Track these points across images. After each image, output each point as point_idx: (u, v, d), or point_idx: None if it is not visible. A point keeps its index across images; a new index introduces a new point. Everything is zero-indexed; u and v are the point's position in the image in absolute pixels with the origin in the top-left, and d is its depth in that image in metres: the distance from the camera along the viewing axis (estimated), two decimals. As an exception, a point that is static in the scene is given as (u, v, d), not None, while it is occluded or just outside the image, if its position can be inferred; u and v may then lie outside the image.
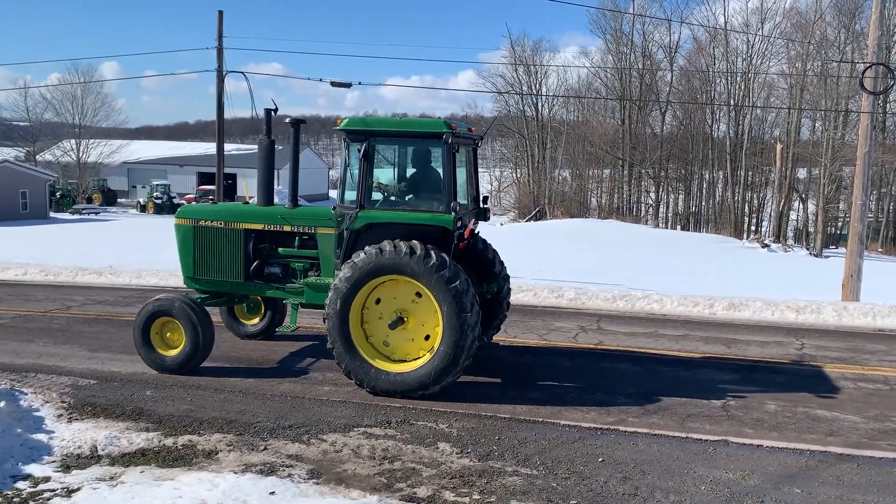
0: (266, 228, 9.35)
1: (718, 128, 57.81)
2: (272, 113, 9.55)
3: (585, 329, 11.97)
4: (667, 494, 5.84)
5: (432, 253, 7.90)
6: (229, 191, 57.21)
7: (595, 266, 21.14)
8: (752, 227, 57.21)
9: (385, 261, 7.99)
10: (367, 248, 8.10)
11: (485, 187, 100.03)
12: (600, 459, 6.51)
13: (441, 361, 7.97)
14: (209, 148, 58.54)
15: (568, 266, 18.67)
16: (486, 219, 9.73)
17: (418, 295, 8.13)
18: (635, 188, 60.38)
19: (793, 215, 57.75)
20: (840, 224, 52.32)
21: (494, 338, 10.29)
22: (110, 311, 13.36)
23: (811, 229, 52.37)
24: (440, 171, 8.59)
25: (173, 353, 8.99)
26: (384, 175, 9.10)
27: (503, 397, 8.27)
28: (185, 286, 10.02)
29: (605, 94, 61.82)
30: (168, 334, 9.05)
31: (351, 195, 8.71)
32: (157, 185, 59.54)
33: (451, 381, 8.07)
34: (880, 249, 50.59)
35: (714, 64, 55.78)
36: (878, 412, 8.05)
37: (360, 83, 26.07)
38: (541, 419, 7.53)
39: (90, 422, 7.34)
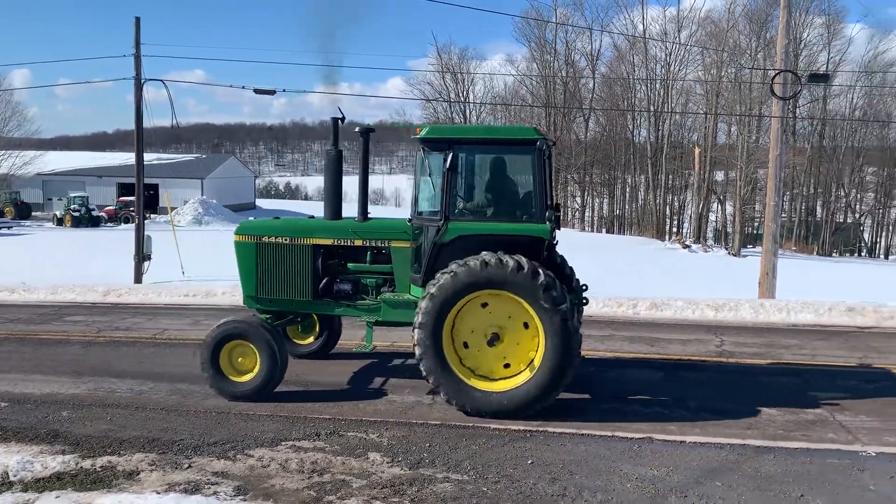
0: (336, 243, 8.82)
1: (640, 133, 59.60)
2: (339, 122, 9.12)
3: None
4: (594, 493, 5.94)
5: (539, 270, 7.53)
6: (151, 202, 55.56)
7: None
8: (674, 229, 59.10)
9: (487, 275, 7.55)
10: (465, 260, 7.64)
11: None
12: (529, 461, 6.58)
13: (544, 380, 7.58)
14: (129, 158, 56.74)
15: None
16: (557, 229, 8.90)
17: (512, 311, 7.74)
18: (562, 193, 61.49)
19: (712, 216, 59.96)
20: (756, 224, 54.52)
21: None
22: (23, 329, 12.76)
23: (729, 230, 54.44)
24: (530, 179, 8.21)
25: (246, 378, 8.32)
26: (468, 185, 8.68)
27: (434, 404, 8.26)
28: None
29: (531, 102, 62.82)
30: (239, 359, 8.37)
31: (428, 206, 8.42)
32: (75, 197, 57.14)
33: (552, 401, 7.75)
34: (794, 248, 53.03)
35: (634, 71, 57.39)
36: (793, 403, 8.39)
37: (284, 90, 25.75)
38: (471, 424, 7.55)
39: (0, 447, 6.97)
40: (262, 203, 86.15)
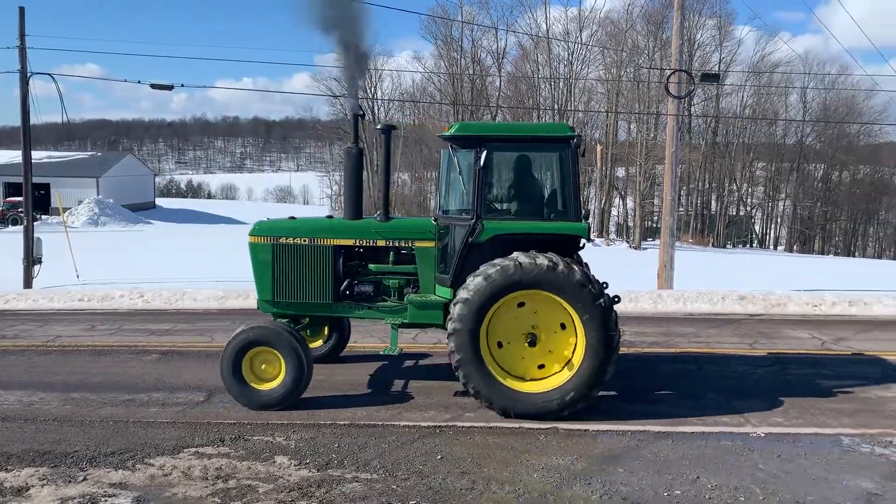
0: (357, 244, 8.55)
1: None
2: (360, 119, 8.82)
3: (425, 329, 12.09)
4: (502, 485, 6.04)
5: (574, 266, 7.44)
6: (42, 202, 52.62)
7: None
8: (580, 224, 60.65)
9: (521, 275, 7.40)
10: (498, 261, 7.50)
11: (325, 192, 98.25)
12: (439, 457, 6.62)
13: (584, 380, 7.51)
14: (16, 156, 53.61)
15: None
16: None
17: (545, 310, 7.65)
18: (471, 189, 62.12)
19: (614, 211, 61.97)
20: (655, 218, 56.73)
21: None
22: None
23: (630, 224, 56.37)
24: (563, 177, 8.07)
25: (270, 386, 7.97)
26: (500, 183, 8.52)
27: (343, 404, 8.19)
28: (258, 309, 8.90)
29: (440, 99, 63.11)
30: (263, 366, 8.02)
31: (456, 205, 8.33)
32: (-44, 197, 53.56)
33: (592, 399, 7.67)
34: (690, 240, 55.46)
35: (539, 70, 58.55)
36: (690, 390, 8.79)
37: (182, 85, 24.91)
38: (380, 423, 7.53)
39: None
40: (163, 202, 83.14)
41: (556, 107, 56.84)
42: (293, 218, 9.13)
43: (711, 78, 17.82)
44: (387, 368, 9.81)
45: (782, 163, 66.32)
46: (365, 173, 65.97)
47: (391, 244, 8.51)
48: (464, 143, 8.07)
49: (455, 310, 7.57)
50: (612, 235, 55.27)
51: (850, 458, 6.78)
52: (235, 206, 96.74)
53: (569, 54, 57.42)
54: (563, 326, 7.68)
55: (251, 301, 14.34)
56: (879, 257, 63.21)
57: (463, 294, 7.55)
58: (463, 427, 7.42)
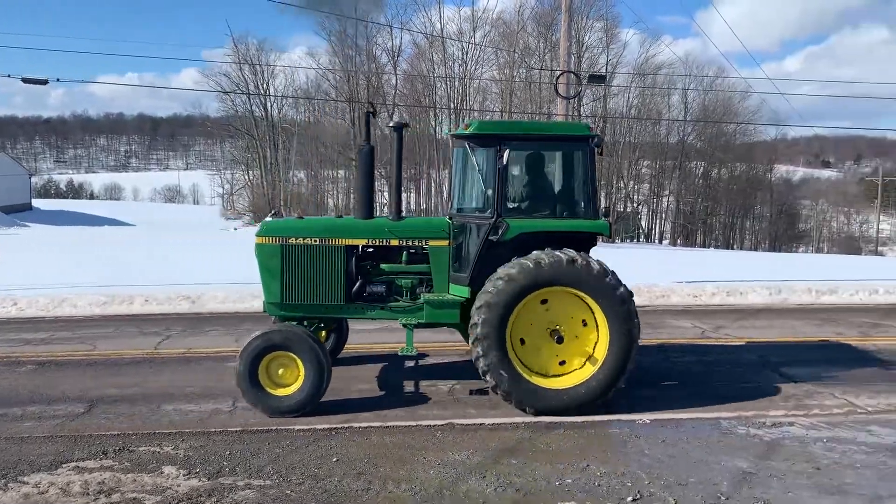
0: (370, 243, 8.37)
1: (442, 129, 61.21)
2: (371, 116, 8.56)
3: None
4: (398, 484, 6.03)
5: (591, 260, 7.59)
6: None
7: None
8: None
9: (543, 274, 7.48)
10: (518, 262, 7.53)
11: (216, 191, 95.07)
12: (335, 459, 6.54)
13: (607, 375, 7.68)
14: None
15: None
16: None
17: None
18: (368, 188, 61.81)
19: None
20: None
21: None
22: None
23: (526, 221, 57.56)
24: (582, 175, 8.14)
25: (289, 391, 7.69)
26: (520, 181, 8.43)
27: (235, 410, 7.97)
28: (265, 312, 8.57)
29: (335, 96, 62.41)
30: (280, 371, 7.73)
31: (473, 203, 8.36)
32: None
33: (615, 391, 7.79)
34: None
35: (434, 69, 58.89)
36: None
37: (58, 80, 23.46)
38: (274, 427, 7.36)
39: None
40: (41, 204, 78.37)
41: (451, 106, 57.35)
42: (301, 217, 8.92)
43: (598, 79, 18.48)
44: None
45: (666, 161, 69.50)
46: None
47: (404, 244, 8.38)
48: (483, 142, 8.04)
49: (479, 314, 7.58)
50: (509, 232, 56.34)
51: (728, 440, 7.19)
52: (120, 207, 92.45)
53: (463, 54, 58.08)
54: (584, 323, 7.84)
55: (136, 306, 13.76)
56: (755, 249, 67.39)
57: (485, 298, 7.57)
58: (359, 428, 7.37)
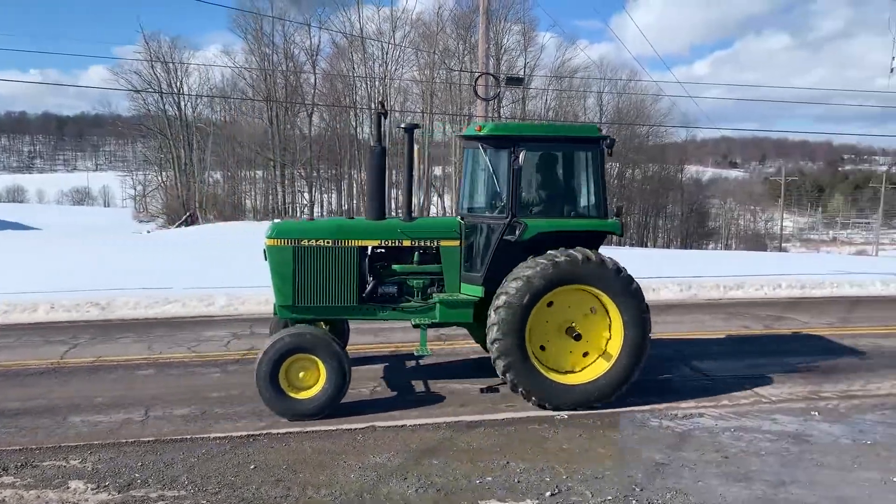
0: (382, 244, 8.37)
1: (363, 129, 60.86)
2: (383, 117, 8.51)
3: (238, 335, 11.69)
4: (318, 489, 5.95)
5: (604, 257, 7.85)
6: None
7: (251, 270, 20.79)
8: (399, 222, 61.40)
9: (560, 273, 7.68)
10: (534, 262, 7.74)
11: (127, 192, 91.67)
12: (252, 467, 6.39)
13: (622, 370, 7.94)
14: None
15: (222, 271, 18.08)
16: None
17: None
18: (289, 189, 60.85)
19: (433, 209, 63.31)
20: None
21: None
22: None
23: (448, 221, 57.89)
24: (594, 176, 8.35)
25: (310, 394, 7.64)
26: (533, 182, 8.54)
27: (147, 420, 7.68)
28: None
29: (252, 95, 61.15)
30: (301, 374, 7.66)
31: (484, 203, 8.53)
32: None
33: (626, 388, 8.05)
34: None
35: (354, 68, 58.48)
36: (486, 377, 9.16)
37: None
38: (189, 436, 7.14)
39: None
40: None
41: (372, 106, 57.04)
42: (312, 219, 8.75)
43: (516, 81, 18.74)
44: (193, 379, 9.32)
45: (583, 161, 71.11)
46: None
47: (416, 244, 8.39)
48: (498, 144, 8.16)
49: (498, 315, 7.69)
50: (431, 233, 56.52)
51: (642, 432, 7.41)
52: (24, 210, 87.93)
53: (383, 54, 57.88)
54: (592, 310, 8.08)
55: (41, 314, 13.10)
56: (667, 247, 69.73)
57: (504, 298, 7.68)
58: (278, 434, 7.23)
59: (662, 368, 9.87)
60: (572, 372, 8.11)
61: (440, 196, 62.21)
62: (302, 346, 7.62)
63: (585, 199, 8.53)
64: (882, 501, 5.86)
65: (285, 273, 8.10)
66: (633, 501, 5.79)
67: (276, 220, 8.55)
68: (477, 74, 18.43)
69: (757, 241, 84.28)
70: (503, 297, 7.71)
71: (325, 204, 64.37)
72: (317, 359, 7.64)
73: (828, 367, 10.06)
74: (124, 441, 7.03)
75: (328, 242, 8.15)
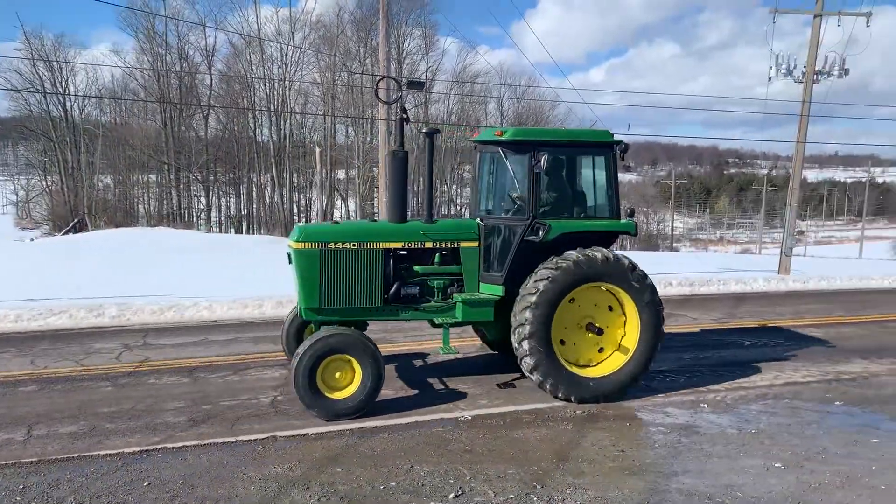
0: (406, 246, 8.57)
1: (262, 132, 59.54)
2: (405, 122, 8.77)
3: (130, 347, 11.17)
4: (216, 503, 5.76)
5: (619, 255, 8.35)
6: None
7: (143, 277, 19.95)
8: (302, 226, 60.34)
9: (582, 271, 8.12)
10: (555, 263, 8.15)
11: (8, 198, 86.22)
12: (146, 483, 6.12)
13: (638, 364, 8.45)
14: None
15: (113, 280, 17.24)
16: None
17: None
18: (185, 193, 58.75)
19: (336, 213, 62.66)
20: (377, 219, 58.33)
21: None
22: None
23: (352, 225, 57.40)
24: (608, 179, 8.76)
25: (347, 394, 7.82)
26: (552, 185, 8.79)
27: (29, 439, 7.22)
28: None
29: (144, 96, 58.69)
30: (338, 374, 7.85)
31: (503, 205, 8.92)
32: None
33: (642, 379, 8.65)
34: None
35: (252, 70, 57.13)
36: (403, 382, 9.16)
37: None
38: (76, 455, 6.76)
39: None
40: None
41: (271, 108, 55.98)
42: (336, 222, 8.98)
43: (417, 85, 18.73)
44: (82, 394, 8.83)
45: (485, 165, 72.13)
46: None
47: (437, 245, 8.65)
48: (518, 148, 8.46)
49: (525, 315, 8.06)
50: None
51: (544, 430, 7.57)
52: None
53: (283, 55, 56.82)
54: (611, 309, 8.59)
55: None
56: (568, 248, 71.55)
57: (531, 298, 8.07)
58: (173, 448, 6.95)
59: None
60: (589, 366, 8.59)
61: (344, 199, 61.64)
62: (339, 347, 7.80)
63: (600, 200, 8.95)
64: (764, 486, 6.21)
65: (312, 276, 8.26)
66: (535, 498, 5.90)
67: (300, 224, 8.75)
68: (378, 78, 18.38)
69: (650, 242, 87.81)
70: (532, 296, 8.08)
71: (223, 208, 62.55)
72: (352, 359, 7.83)
73: (716, 361, 10.61)
74: (4, 463, 6.58)
75: (354, 245, 8.36)
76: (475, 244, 8.71)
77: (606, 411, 8.17)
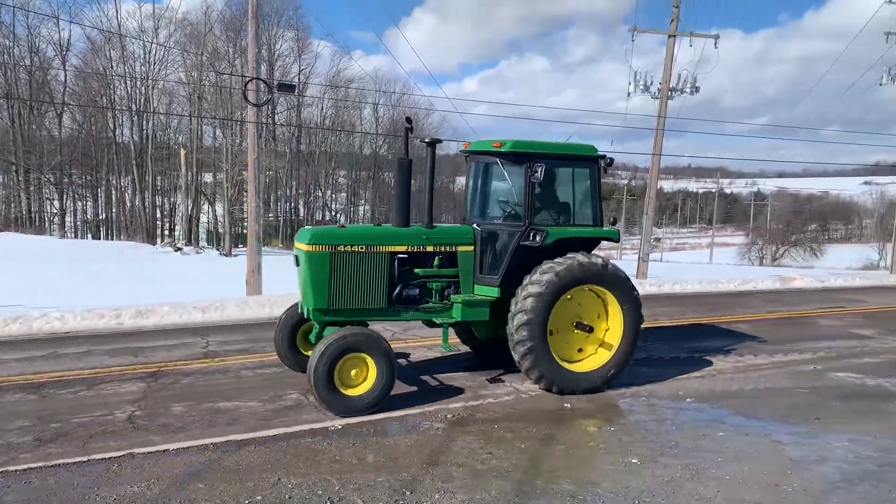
0: (409, 250, 9.01)
1: (123, 132, 56.42)
2: (409, 131, 9.12)
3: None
4: (64, 529, 5.38)
5: (614, 264, 9.14)
6: None
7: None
8: (166, 232, 57.80)
9: (582, 272, 8.85)
10: (560, 261, 8.86)
11: None
12: (-18, 512, 5.63)
13: (620, 359, 9.28)
14: None
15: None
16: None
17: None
18: (35, 196, 54.62)
19: (203, 218, 60.33)
20: (246, 224, 56.61)
21: None
22: None
23: (221, 230, 55.47)
24: (593, 190, 9.56)
25: (362, 391, 8.13)
26: (544, 194, 9.42)
27: None
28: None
29: (-11, 91, 54.11)
30: (353, 372, 8.14)
31: (499, 212, 9.57)
32: None
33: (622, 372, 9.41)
34: (280, 245, 56.79)
35: (112, 67, 54.08)
36: (273, 394, 8.94)
37: None
38: None
39: None
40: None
41: (133, 107, 53.19)
42: (343, 226, 9.19)
43: (287, 88, 18.44)
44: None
45: (360, 171, 71.85)
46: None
47: (437, 249, 9.12)
48: (515, 159, 9.08)
49: (527, 303, 8.66)
50: (203, 243, 53.68)
51: (414, 436, 7.60)
52: None
53: (146, 53, 54.14)
54: (598, 315, 9.34)
55: None
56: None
57: (535, 289, 8.69)
58: (18, 470, 6.42)
59: (434, 372, 10.18)
60: (571, 361, 9.26)
61: (211, 204, 59.43)
62: (355, 345, 8.05)
63: (585, 209, 9.67)
64: (622, 482, 6.52)
65: (321, 277, 8.53)
66: (404, 505, 5.90)
67: (308, 227, 9.10)
68: (247, 79, 17.87)
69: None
70: (537, 286, 8.71)
71: (79, 212, 58.71)
72: (368, 357, 8.11)
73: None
74: None
75: (362, 248, 8.73)
76: (471, 248, 9.26)
77: (476, 415, 8.31)
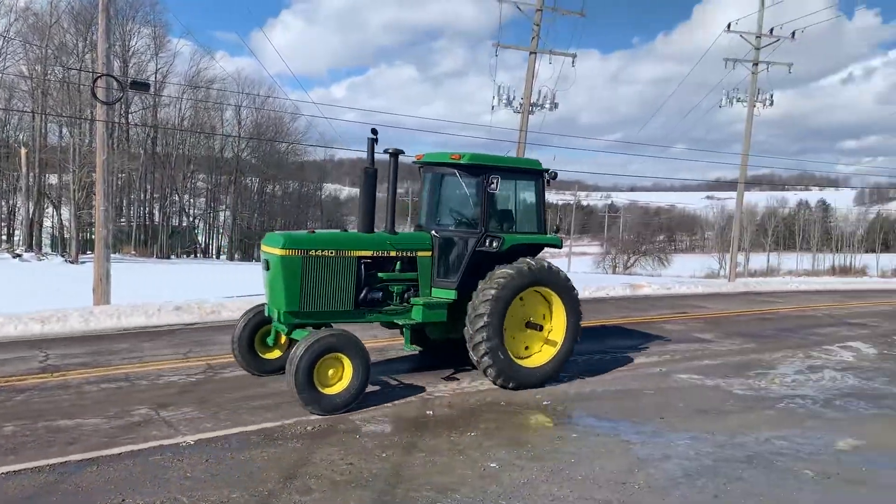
0: (374, 255, 9.42)
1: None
2: (374, 142, 9.40)
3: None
4: None
5: (559, 268, 10.07)
6: None
7: None
8: (4, 237, 53.26)
9: (532, 275, 9.67)
10: (513, 265, 9.62)
11: None
12: None
13: (565, 354, 10.22)
14: None
15: None
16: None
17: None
18: None
19: (47, 222, 56.01)
20: (94, 230, 53.02)
21: None
22: None
23: (67, 236, 51.70)
24: (539, 200, 10.50)
25: (340, 388, 8.48)
26: (497, 204, 10.25)
27: None
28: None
29: None
30: (330, 371, 8.47)
31: (454, 221, 10.23)
32: None
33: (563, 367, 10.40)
34: (134, 252, 53.76)
35: (-61, 55, 49.24)
36: (119, 409, 8.40)
37: None
38: None
39: None
40: None
41: (-35, 101, 48.60)
42: (313, 231, 9.46)
43: (141, 86, 17.46)
44: None
45: (221, 175, 69.27)
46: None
47: (399, 254, 9.60)
48: (472, 171, 9.80)
49: (485, 306, 9.30)
50: (47, 249, 49.82)
51: (272, 450, 7.36)
52: None
53: (-19, 42, 49.66)
54: (544, 315, 10.18)
55: None
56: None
57: (492, 292, 9.35)
58: None
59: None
60: (521, 357, 10.03)
61: (56, 207, 55.27)
62: (334, 346, 8.39)
63: (532, 218, 10.55)
64: (481, 485, 6.62)
65: (294, 281, 8.78)
66: (259, 521, 5.70)
67: (277, 232, 9.48)
68: (96, 75, 16.80)
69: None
70: (493, 290, 9.36)
71: None
72: (345, 357, 8.46)
73: (444, 366, 11.11)
74: None
75: (332, 253, 9.05)
76: (429, 254, 9.82)
77: (337, 425, 8.18)
